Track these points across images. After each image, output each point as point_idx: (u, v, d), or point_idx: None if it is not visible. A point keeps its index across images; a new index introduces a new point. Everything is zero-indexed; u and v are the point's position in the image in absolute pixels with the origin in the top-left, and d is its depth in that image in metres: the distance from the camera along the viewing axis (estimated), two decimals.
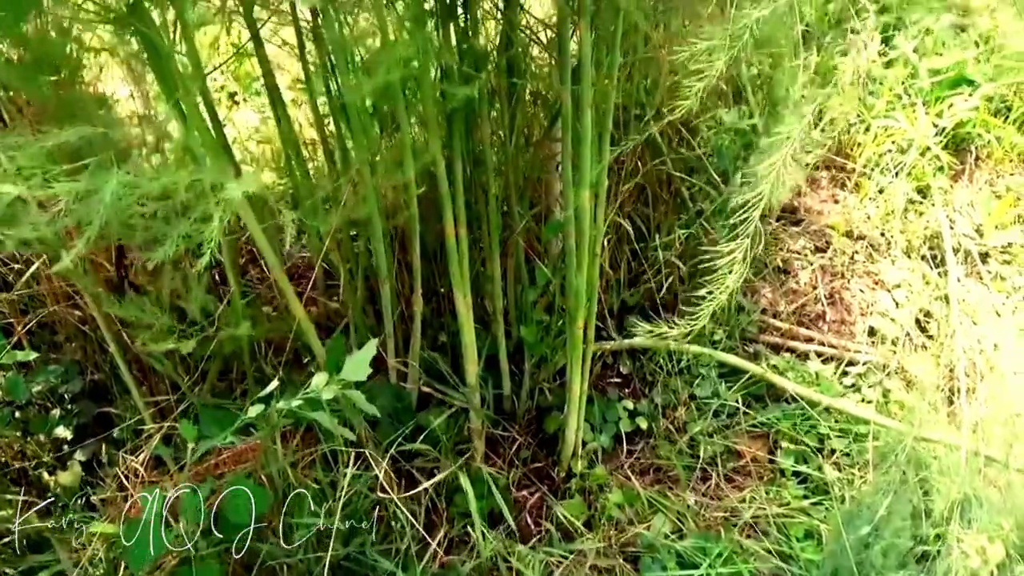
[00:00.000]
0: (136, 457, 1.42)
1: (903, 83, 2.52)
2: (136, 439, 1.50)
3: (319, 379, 1.10)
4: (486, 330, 1.71)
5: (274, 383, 1.13)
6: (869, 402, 1.90)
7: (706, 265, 1.72)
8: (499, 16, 1.43)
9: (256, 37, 1.35)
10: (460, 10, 1.35)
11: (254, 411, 1.10)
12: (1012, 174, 2.72)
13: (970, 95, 2.60)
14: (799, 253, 2.23)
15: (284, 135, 1.50)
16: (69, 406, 1.64)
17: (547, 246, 1.79)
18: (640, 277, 1.97)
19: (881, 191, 2.41)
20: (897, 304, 2.11)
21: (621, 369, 1.93)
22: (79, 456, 1.61)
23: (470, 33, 1.35)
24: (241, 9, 1.31)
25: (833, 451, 1.76)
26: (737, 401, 1.84)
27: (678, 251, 1.92)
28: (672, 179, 1.95)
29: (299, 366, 1.71)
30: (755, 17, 1.05)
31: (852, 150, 2.60)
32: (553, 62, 1.53)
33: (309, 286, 1.81)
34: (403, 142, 1.20)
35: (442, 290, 1.79)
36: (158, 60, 1.11)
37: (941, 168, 2.45)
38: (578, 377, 1.59)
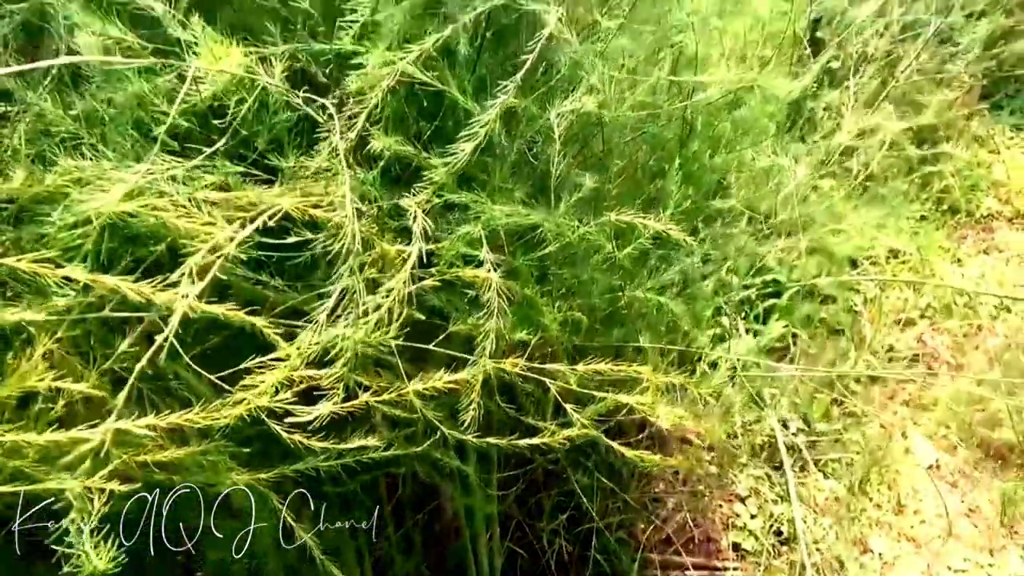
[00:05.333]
0: None
1: (722, 297, 2.92)
2: None
3: None
4: None
5: None
6: None
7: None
8: None
9: None
10: None
11: None
12: (823, 347, 3.19)
13: (776, 292, 3.06)
14: (662, 477, 2.50)
15: None
16: None
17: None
18: (532, 546, 2.15)
19: (718, 398, 2.76)
20: (752, 515, 2.41)
21: None
22: None
23: None
24: None
25: None
26: None
27: (560, 521, 2.13)
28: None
29: None
30: None
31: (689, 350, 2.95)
32: None
33: None
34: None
35: None
36: None
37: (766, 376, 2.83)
38: None
